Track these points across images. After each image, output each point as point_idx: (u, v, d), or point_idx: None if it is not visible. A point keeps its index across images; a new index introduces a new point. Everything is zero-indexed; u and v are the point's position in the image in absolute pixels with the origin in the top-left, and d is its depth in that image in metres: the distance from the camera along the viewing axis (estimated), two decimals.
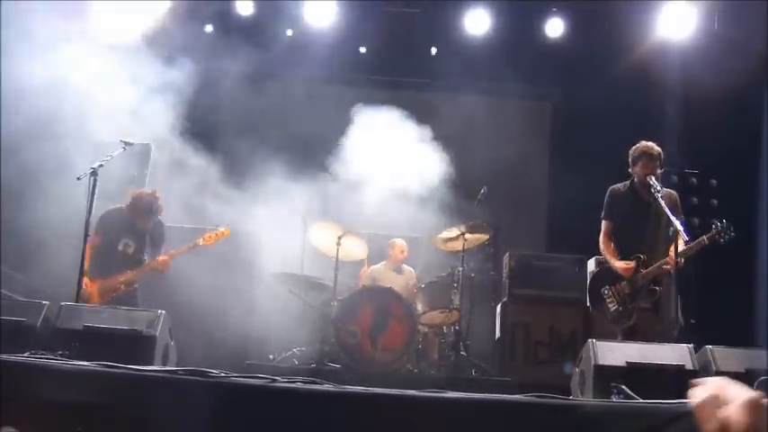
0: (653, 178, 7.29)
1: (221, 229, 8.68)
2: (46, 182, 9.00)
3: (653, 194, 7.15)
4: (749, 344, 6.77)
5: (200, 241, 8.54)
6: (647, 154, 7.46)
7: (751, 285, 8.83)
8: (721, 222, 6.83)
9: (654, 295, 7.23)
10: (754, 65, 9.87)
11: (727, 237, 6.79)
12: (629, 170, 7.60)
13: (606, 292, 7.52)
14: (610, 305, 7.48)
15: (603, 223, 7.75)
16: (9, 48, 9.01)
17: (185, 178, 9.57)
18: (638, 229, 7.51)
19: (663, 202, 7.03)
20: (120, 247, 8.33)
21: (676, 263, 6.88)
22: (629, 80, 11.17)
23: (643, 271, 7.29)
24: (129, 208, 8.50)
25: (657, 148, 7.50)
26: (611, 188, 7.79)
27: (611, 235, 7.71)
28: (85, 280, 7.84)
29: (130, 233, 8.44)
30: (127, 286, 8.22)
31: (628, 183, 7.69)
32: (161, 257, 8.33)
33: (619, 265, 7.47)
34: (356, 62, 11.96)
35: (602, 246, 7.72)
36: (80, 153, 8.89)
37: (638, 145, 7.58)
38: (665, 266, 7.09)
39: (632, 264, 7.37)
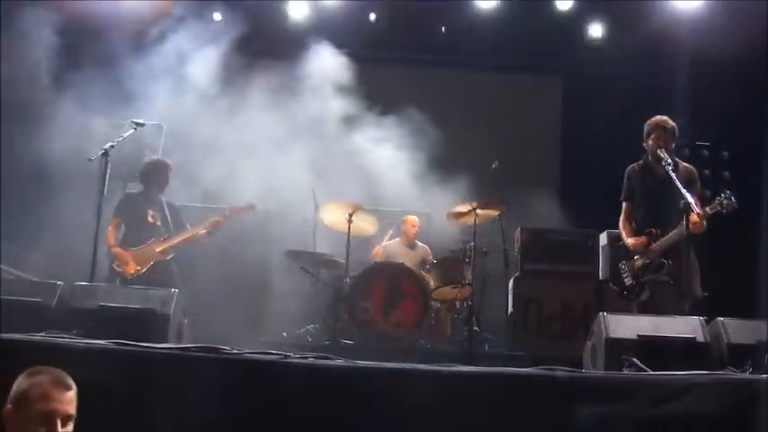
0: (664, 151, 7.28)
1: (246, 205, 8.68)
2: (58, 163, 9.05)
3: (665, 168, 7.13)
4: (760, 316, 6.71)
5: (227, 213, 8.58)
6: (660, 126, 7.44)
7: (762, 257, 8.80)
8: (725, 193, 6.84)
9: (664, 268, 7.24)
10: (764, 33, 9.78)
11: (729, 208, 6.80)
12: (644, 144, 7.58)
13: (622, 267, 7.54)
14: (625, 280, 7.50)
15: (623, 205, 7.74)
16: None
17: (197, 158, 9.59)
18: (654, 205, 7.48)
19: (674, 175, 7.01)
20: (150, 219, 8.43)
21: (688, 236, 6.88)
22: (639, 53, 11.13)
23: (654, 245, 7.30)
24: (141, 176, 8.60)
25: (672, 123, 7.48)
26: (627, 169, 7.77)
27: (630, 215, 7.70)
28: (116, 250, 8.13)
29: (152, 205, 8.50)
30: (164, 254, 8.30)
31: (641, 161, 7.68)
32: (212, 219, 8.43)
33: (630, 241, 7.49)
34: (366, 37, 11.91)
35: (620, 225, 7.72)
36: (92, 134, 8.93)
37: (652, 118, 7.57)
38: (677, 239, 7.11)
39: (643, 239, 7.39)
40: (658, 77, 11.12)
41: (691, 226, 6.84)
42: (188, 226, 8.56)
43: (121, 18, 10.31)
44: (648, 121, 7.58)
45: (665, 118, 7.51)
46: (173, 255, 8.40)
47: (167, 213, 8.55)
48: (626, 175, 7.77)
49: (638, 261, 7.39)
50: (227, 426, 4.39)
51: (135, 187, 8.91)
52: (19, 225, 8.92)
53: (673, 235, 7.14)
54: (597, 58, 11.45)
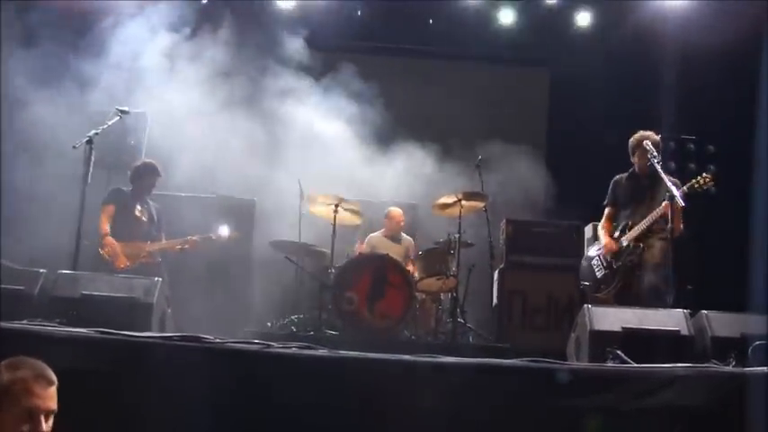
0: (649, 143, 7.35)
1: (233, 233, 8.77)
2: (42, 150, 9.00)
3: (651, 162, 7.19)
4: (745, 309, 6.75)
5: (213, 236, 8.67)
6: (641, 147, 7.56)
7: (747, 250, 8.83)
8: (704, 172, 6.92)
9: (637, 250, 7.34)
10: (752, 29, 9.81)
11: (707, 184, 6.86)
12: (631, 159, 7.74)
13: (595, 262, 7.75)
14: (597, 272, 7.63)
15: (606, 210, 7.96)
16: None
17: (186, 147, 9.55)
18: (636, 210, 7.62)
19: (659, 167, 7.09)
20: (137, 213, 8.51)
21: (671, 228, 6.93)
22: (626, 46, 11.14)
23: (625, 235, 7.49)
24: (131, 176, 8.69)
25: (654, 137, 7.59)
26: (614, 179, 7.97)
27: (612, 219, 7.89)
28: (109, 239, 8.21)
29: (141, 203, 8.61)
30: (150, 257, 8.40)
31: (627, 172, 7.86)
32: (192, 238, 8.57)
33: (603, 240, 7.75)
34: (351, 28, 11.87)
35: (600, 227, 7.97)
36: (76, 121, 8.88)
37: (635, 135, 7.68)
38: (649, 224, 7.28)
39: (614, 243, 7.62)
40: (645, 70, 11.13)
41: (665, 210, 7.03)
42: (163, 235, 8.69)
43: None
44: (632, 138, 7.71)
45: (646, 134, 7.60)
46: (160, 259, 8.49)
47: (153, 213, 8.65)
48: (612, 184, 7.98)
49: (612, 251, 7.52)
50: (210, 414, 4.37)
51: (121, 181, 8.94)
52: (1, 212, 8.86)
53: (644, 222, 7.28)
54: (584, 50, 11.44)
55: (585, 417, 4.48)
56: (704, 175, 6.98)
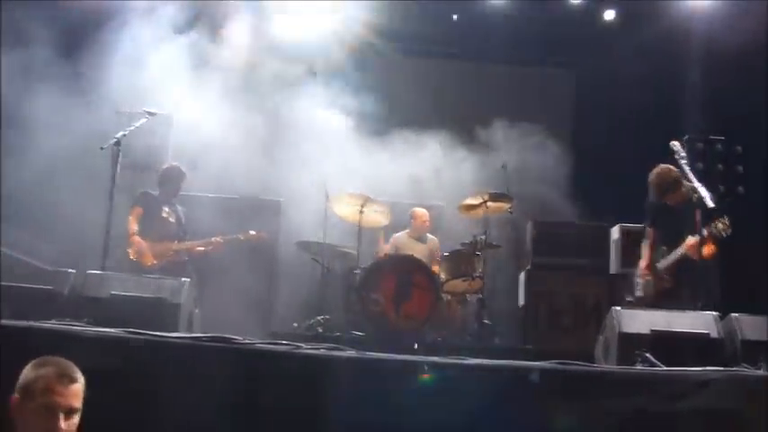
0: (677, 144, 7.27)
1: (261, 233, 8.78)
2: (71, 152, 9.05)
3: (679, 162, 7.12)
4: None
5: (241, 236, 8.68)
6: (654, 185, 7.55)
7: None
8: (721, 218, 6.81)
9: (670, 283, 7.34)
10: None
11: (725, 232, 6.79)
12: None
13: (637, 281, 7.67)
14: (636, 291, 7.64)
15: (647, 230, 7.85)
16: None
17: (211, 148, 9.59)
18: (669, 236, 7.50)
19: (687, 169, 6.99)
20: (164, 215, 8.56)
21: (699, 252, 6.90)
22: (653, 46, 11.05)
23: (660, 262, 7.45)
24: (158, 180, 8.76)
25: (671, 174, 7.44)
26: (646, 203, 7.87)
27: (654, 241, 7.73)
28: (136, 238, 8.25)
29: (169, 205, 8.67)
30: (177, 256, 8.44)
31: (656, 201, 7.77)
32: (217, 239, 8.61)
33: (641, 263, 7.66)
34: (377, 31, 11.86)
35: (643, 246, 7.80)
36: (104, 122, 8.93)
37: (653, 178, 7.58)
38: (682, 254, 7.19)
39: (648, 269, 7.56)
40: (672, 69, 11.05)
41: (689, 250, 7.02)
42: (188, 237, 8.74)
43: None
44: (654, 178, 7.58)
45: (660, 174, 7.50)
46: (186, 258, 8.52)
47: (181, 215, 8.70)
48: (646, 208, 7.86)
49: (648, 276, 7.48)
50: (238, 415, 4.37)
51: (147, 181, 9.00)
52: (30, 213, 8.92)
53: (672, 255, 7.27)
54: (611, 52, 11.37)
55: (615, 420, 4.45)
56: (723, 220, 6.85)
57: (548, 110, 11.81)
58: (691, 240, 7.03)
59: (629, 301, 7.61)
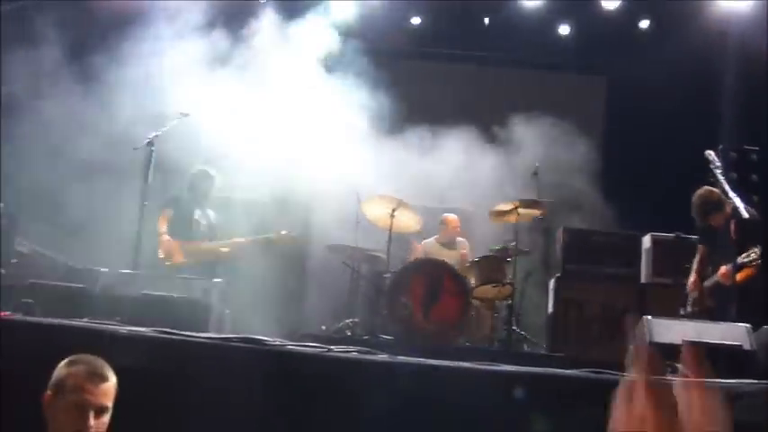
0: (712, 154, 7.21)
1: (292, 234, 8.82)
2: (104, 153, 9.12)
3: (714, 172, 7.06)
4: None
5: (273, 236, 8.72)
6: (711, 210, 7.42)
7: None
8: (755, 249, 6.76)
9: (712, 303, 7.36)
10: None
11: (755, 263, 6.75)
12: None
13: (690, 296, 7.66)
14: (687, 306, 7.61)
15: (699, 247, 7.82)
16: None
17: (241, 149, 9.62)
18: (718, 257, 7.45)
19: (722, 179, 6.94)
20: (196, 217, 8.68)
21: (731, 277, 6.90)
22: (686, 53, 10.96)
23: (707, 281, 7.47)
24: (188, 184, 8.89)
25: (714, 197, 7.35)
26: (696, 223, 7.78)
27: (705, 258, 7.70)
28: (165, 237, 8.35)
29: (200, 208, 8.79)
30: (206, 255, 8.57)
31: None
32: (247, 239, 8.70)
33: (690, 278, 7.66)
34: (409, 34, 11.88)
35: (695, 261, 7.78)
36: (138, 123, 9.00)
37: (695, 200, 7.51)
38: (716, 281, 7.28)
39: (697, 284, 7.56)
40: (705, 76, 10.96)
41: (722, 278, 7.07)
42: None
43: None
44: (692, 200, 7.52)
45: (702, 196, 7.45)
46: (217, 257, 8.58)
47: (212, 218, 8.80)
48: (698, 228, 7.80)
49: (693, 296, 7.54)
50: (268, 417, 4.38)
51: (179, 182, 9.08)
52: (63, 212, 9.00)
53: (711, 280, 7.35)
54: (643, 57, 11.30)
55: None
56: (756, 250, 6.81)
57: (579, 116, 11.74)
58: (723, 269, 7.07)
59: (682, 315, 7.59)
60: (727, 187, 6.86)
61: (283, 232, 8.72)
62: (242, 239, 8.64)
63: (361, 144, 9.86)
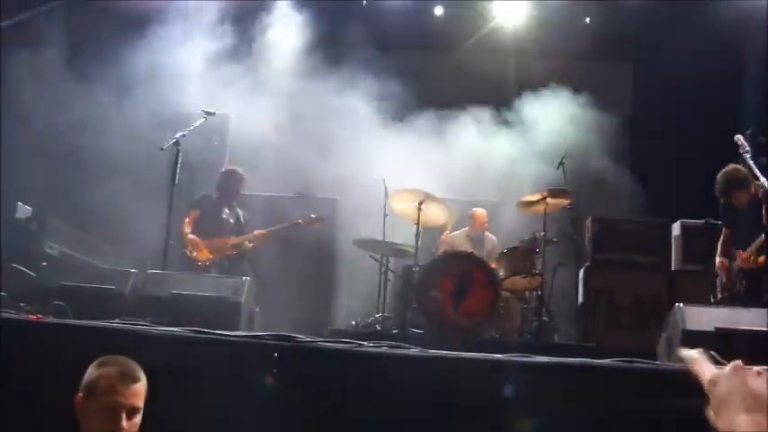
0: (741, 138, 7.13)
1: (320, 216, 8.91)
2: (131, 153, 9.17)
3: (744, 157, 6.98)
4: None
5: (300, 221, 8.81)
6: (734, 188, 7.33)
7: None
8: None
9: (739, 289, 7.25)
10: None
11: None
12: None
13: (717, 281, 7.54)
14: (718, 293, 7.52)
15: (723, 230, 7.71)
16: None
17: (268, 146, 9.65)
18: (743, 237, 7.38)
19: (752, 162, 6.87)
20: (224, 216, 8.72)
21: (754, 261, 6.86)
22: (713, 40, 10.86)
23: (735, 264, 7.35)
24: (218, 184, 8.92)
25: (740, 174, 7.25)
26: (721, 202, 7.65)
27: (728, 240, 7.61)
28: (190, 236, 8.42)
29: (228, 207, 8.81)
30: (233, 250, 8.58)
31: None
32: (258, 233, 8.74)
33: (717, 260, 7.56)
34: (428, 26, 11.85)
35: (719, 245, 7.69)
36: (163, 124, 9.05)
37: (718, 177, 7.41)
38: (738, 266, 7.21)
39: (725, 263, 7.44)
40: (732, 63, 10.84)
41: (744, 263, 7.04)
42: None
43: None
44: (717, 178, 7.43)
45: (726, 173, 7.35)
46: (243, 252, 8.60)
47: (240, 217, 8.85)
48: (721, 206, 7.68)
49: (723, 278, 7.43)
50: (302, 413, 4.37)
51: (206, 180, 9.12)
52: (93, 214, 9.06)
53: (734, 265, 7.27)
54: (670, 45, 11.19)
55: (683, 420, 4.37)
56: None
57: (606, 104, 11.66)
58: (743, 254, 7.04)
59: (713, 303, 7.51)
60: (757, 171, 6.79)
61: (312, 215, 8.79)
62: (271, 228, 8.69)
63: (384, 138, 9.86)
